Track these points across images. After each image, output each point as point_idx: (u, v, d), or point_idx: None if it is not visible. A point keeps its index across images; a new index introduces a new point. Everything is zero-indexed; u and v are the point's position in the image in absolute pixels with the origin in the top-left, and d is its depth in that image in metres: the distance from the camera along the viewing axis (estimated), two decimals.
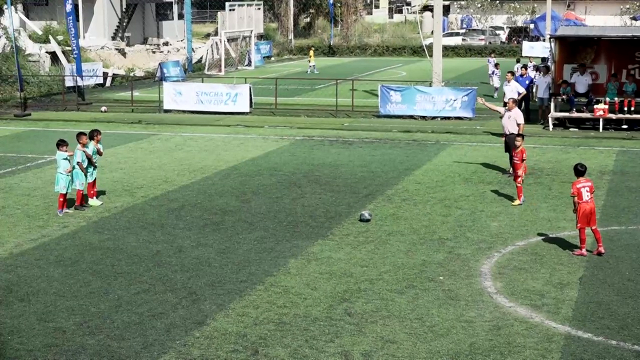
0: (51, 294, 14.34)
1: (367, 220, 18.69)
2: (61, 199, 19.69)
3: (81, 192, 20.08)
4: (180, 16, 69.39)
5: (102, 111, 38.58)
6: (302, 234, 17.85)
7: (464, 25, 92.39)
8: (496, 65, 42.56)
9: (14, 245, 17.23)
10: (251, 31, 64.15)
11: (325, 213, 19.62)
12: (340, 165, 25.32)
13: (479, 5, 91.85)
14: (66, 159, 19.73)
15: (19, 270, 15.62)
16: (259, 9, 70.48)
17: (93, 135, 20.69)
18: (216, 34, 63.90)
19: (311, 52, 59.70)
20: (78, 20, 47.97)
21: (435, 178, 23.36)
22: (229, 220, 19.05)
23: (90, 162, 20.27)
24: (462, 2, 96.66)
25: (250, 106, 37.51)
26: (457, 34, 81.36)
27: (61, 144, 19.87)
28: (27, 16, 55.47)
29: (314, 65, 57.75)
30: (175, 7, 71.55)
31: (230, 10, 63.40)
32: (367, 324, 12.84)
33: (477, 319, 12.99)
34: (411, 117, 35.19)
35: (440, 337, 12.31)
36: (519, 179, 20.34)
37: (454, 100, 34.96)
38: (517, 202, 20.27)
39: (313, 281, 14.83)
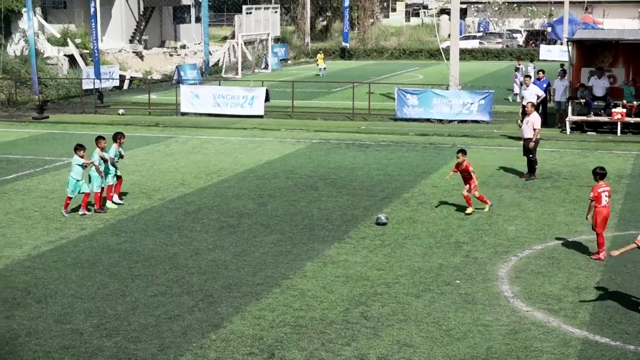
0: (68, 295, 14.41)
1: (384, 224, 18.67)
2: (68, 201, 19.88)
3: (99, 194, 20.15)
4: (198, 19, 69.61)
5: (119, 114, 38.73)
6: (318, 237, 17.85)
7: (481, 29, 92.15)
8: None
9: (32, 247, 17.33)
10: (268, 34, 64.24)
11: (341, 216, 19.61)
12: (356, 168, 25.31)
13: (496, 8, 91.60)
14: (81, 165, 19.79)
15: (36, 272, 15.70)
16: (275, 12, 70.60)
17: (116, 137, 20.81)
18: (233, 37, 64.03)
19: (320, 56, 59.72)
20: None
21: (452, 181, 23.27)
22: (245, 223, 19.08)
23: (113, 165, 20.44)
24: (479, 6, 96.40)
25: (267, 100, 37.52)
26: (474, 37, 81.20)
27: (78, 148, 19.94)
28: (46, 19, 55.76)
29: (324, 68, 57.80)
30: (192, 10, 71.79)
31: (247, 13, 63.52)
32: (383, 327, 12.83)
33: (494, 323, 12.95)
34: (428, 120, 35.13)
35: (457, 341, 12.28)
36: (474, 191, 19.71)
37: (471, 103, 34.87)
38: (470, 209, 19.64)
39: (329, 284, 14.83)
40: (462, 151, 19.77)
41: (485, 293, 14.32)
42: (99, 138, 20.47)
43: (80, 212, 19.84)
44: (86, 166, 19.90)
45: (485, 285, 14.70)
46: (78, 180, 19.70)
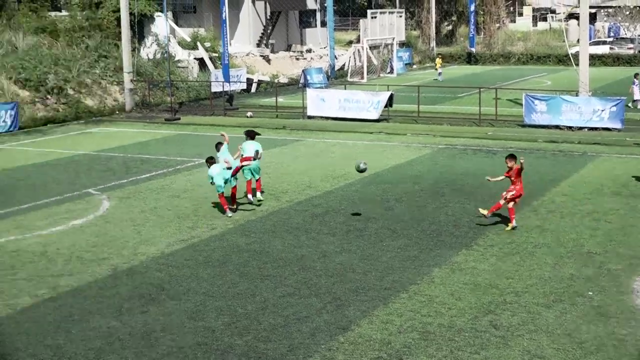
0: (201, 293, 14.77)
1: (363, 170, 19.78)
2: (224, 199, 20.19)
3: (221, 194, 20.44)
4: (323, 24, 70.12)
5: (247, 116, 39.45)
6: (445, 243, 17.74)
7: (612, 34, 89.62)
8: None
9: (165, 245, 17.85)
10: (393, 38, 64.22)
11: (469, 223, 19.43)
12: (484, 174, 24.81)
13: (627, 12, 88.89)
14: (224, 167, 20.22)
15: (170, 270, 16.17)
16: (400, 16, 70.49)
17: (253, 135, 21.54)
18: (358, 41, 64.32)
19: (438, 60, 59.47)
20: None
21: (583, 190, 22.75)
22: (372, 227, 19.13)
23: (256, 158, 21.06)
24: (610, 10, 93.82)
25: (390, 105, 37.49)
26: (605, 43, 79.00)
27: (210, 160, 20.34)
28: (176, 23, 57.25)
29: (440, 73, 57.49)
30: (318, 15, 72.37)
31: (372, 17, 63.68)
32: (513, 337, 12.65)
33: (629, 337, 12.59)
34: (557, 127, 34.40)
35: (590, 355, 11.99)
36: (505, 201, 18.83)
37: (602, 110, 33.95)
38: (510, 225, 18.87)
39: (457, 291, 14.72)
40: (511, 156, 19.15)
41: (619, 306, 13.92)
42: (219, 144, 20.87)
43: (228, 213, 20.24)
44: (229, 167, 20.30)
45: (620, 298, 14.29)
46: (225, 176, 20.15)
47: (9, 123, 36.11)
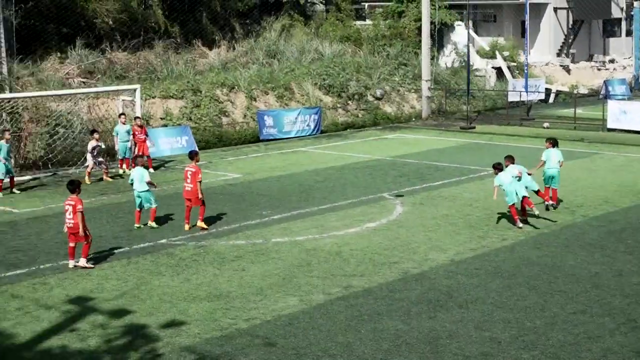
0: (488, 303, 14.71)
1: (381, 97, 18.35)
2: (514, 209, 20.01)
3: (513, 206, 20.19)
4: (629, 33, 67.13)
5: (544, 127, 38.68)
6: None
7: None
8: None
9: (454, 253, 17.96)
10: None
11: None
12: None
13: None
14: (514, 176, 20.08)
15: (458, 277, 16.25)
16: None
17: (556, 142, 21.90)
18: None
19: None
20: (523, 37, 48.64)
21: None
22: None
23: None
24: None
25: None
26: None
27: (498, 166, 20.30)
28: (476, 32, 57.30)
29: None
30: (623, 24, 69.36)
31: None
32: None
33: None
34: None
35: None
36: None
37: None
38: None
39: None
40: None
41: None
42: (508, 157, 20.64)
43: (519, 224, 20.03)
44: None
45: None
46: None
47: (312, 127, 38.02)
